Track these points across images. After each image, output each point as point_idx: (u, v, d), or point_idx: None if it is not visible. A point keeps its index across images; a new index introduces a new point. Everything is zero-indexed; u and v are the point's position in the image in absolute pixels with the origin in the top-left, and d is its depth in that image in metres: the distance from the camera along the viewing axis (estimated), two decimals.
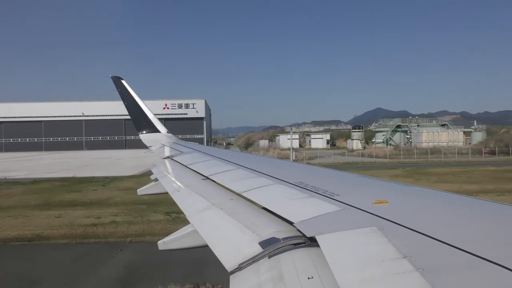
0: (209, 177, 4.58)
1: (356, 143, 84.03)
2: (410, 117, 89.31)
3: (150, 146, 10.35)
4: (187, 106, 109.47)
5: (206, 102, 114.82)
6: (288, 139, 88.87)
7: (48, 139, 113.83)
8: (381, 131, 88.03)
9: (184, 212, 3.54)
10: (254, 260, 2.15)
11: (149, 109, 11.74)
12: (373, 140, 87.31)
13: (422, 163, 53.73)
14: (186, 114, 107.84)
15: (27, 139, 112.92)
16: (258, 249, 2.24)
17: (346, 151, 71.60)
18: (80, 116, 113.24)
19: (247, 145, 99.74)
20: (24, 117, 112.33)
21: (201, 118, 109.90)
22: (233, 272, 2.13)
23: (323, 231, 2.10)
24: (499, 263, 1.50)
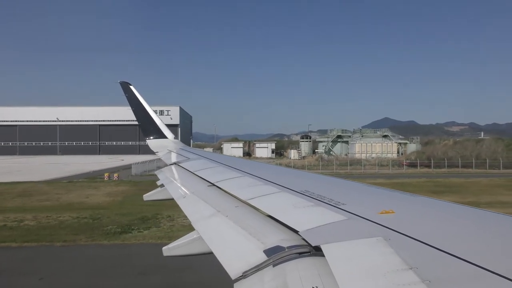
0: (215, 184, 4.58)
1: (293, 153, 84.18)
2: (354, 128, 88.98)
3: (157, 152, 10.39)
4: (161, 113, 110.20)
5: (181, 109, 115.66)
6: (232, 147, 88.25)
7: (23, 144, 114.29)
8: (322, 141, 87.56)
9: (189, 219, 3.54)
10: (258, 268, 2.14)
11: (157, 115, 11.81)
12: (316, 150, 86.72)
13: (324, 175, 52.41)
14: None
15: (2, 143, 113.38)
16: (263, 257, 2.24)
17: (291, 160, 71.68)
18: (55, 121, 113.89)
19: None
20: None
21: (175, 125, 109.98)
22: (237, 280, 2.12)
23: (328, 241, 2.09)
24: (507, 276, 1.48)
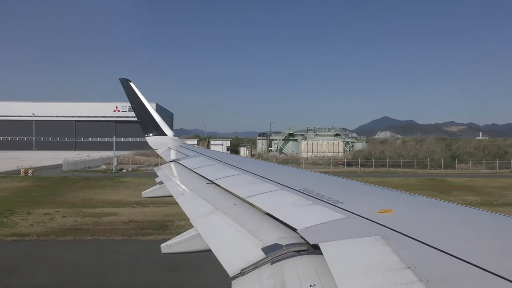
0: (214, 181, 4.58)
1: (243, 150, 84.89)
2: (308, 127, 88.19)
3: (156, 149, 10.37)
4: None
5: (158, 106, 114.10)
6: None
7: None
8: (275, 139, 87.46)
9: (188, 216, 3.54)
10: (256, 265, 2.14)
11: (157, 112, 11.78)
12: (270, 148, 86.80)
13: None
14: None
15: None
16: (261, 255, 2.24)
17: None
18: (31, 116, 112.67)
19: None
20: None
21: None
22: (235, 277, 2.13)
23: (326, 239, 2.09)
24: (504, 276, 1.48)
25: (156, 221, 22.95)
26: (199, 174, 5.33)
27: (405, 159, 63.09)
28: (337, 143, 78.23)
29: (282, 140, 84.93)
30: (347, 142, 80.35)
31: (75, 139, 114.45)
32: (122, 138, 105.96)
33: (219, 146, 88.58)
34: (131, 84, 11.36)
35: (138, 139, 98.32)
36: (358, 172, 57.22)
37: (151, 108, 11.48)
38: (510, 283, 1.44)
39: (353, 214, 2.50)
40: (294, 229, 2.41)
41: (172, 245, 3.30)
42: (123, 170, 55.11)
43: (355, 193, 3.49)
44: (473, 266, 1.59)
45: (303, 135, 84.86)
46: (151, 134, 11.38)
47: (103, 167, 57.46)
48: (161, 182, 5.88)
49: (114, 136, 63.53)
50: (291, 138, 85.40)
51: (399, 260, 1.72)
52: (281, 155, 78.67)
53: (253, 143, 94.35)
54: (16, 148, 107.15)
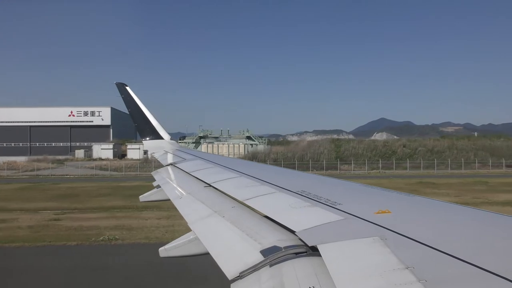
0: (211, 184, 4.58)
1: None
2: (222, 130, 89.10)
3: (153, 153, 10.36)
4: (92, 113, 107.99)
5: (113, 110, 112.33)
6: (102, 149, 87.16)
7: None
8: (186, 142, 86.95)
9: (186, 219, 3.53)
10: (255, 268, 2.14)
11: (153, 115, 11.78)
12: None
13: (115, 177, 53.13)
14: (92, 121, 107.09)
15: None
16: (260, 258, 2.24)
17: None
18: None
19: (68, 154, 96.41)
20: None
21: (107, 126, 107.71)
22: (234, 280, 2.12)
23: (325, 241, 2.09)
24: (503, 275, 1.49)
25: None
26: (196, 178, 5.32)
27: (290, 161, 62.91)
28: (237, 145, 79.27)
29: (193, 143, 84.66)
30: (251, 145, 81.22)
31: (30, 144, 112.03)
32: (78, 143, 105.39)
33: (136, 150, 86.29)
34: (127, 88, 11.37)
35: (92, 143, 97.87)
36: None
37: (148, 112, 11.48)
38: (510, 282, 1.44)
39: (351, 215, 2.51)
40: (293, 231, 2.41)
41: (170, 249, 3.29)
42: None
43: (353, 194, 3.49)
44: (472, 266, 1.59)
45: (217, 138, 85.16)
46: (148, 138, 11.37)
47: None
48: (158, 186, 5.88)
49: None
50: (201, 141, 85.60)
51: (397, 260, 1.72)
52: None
53: None
54: None
